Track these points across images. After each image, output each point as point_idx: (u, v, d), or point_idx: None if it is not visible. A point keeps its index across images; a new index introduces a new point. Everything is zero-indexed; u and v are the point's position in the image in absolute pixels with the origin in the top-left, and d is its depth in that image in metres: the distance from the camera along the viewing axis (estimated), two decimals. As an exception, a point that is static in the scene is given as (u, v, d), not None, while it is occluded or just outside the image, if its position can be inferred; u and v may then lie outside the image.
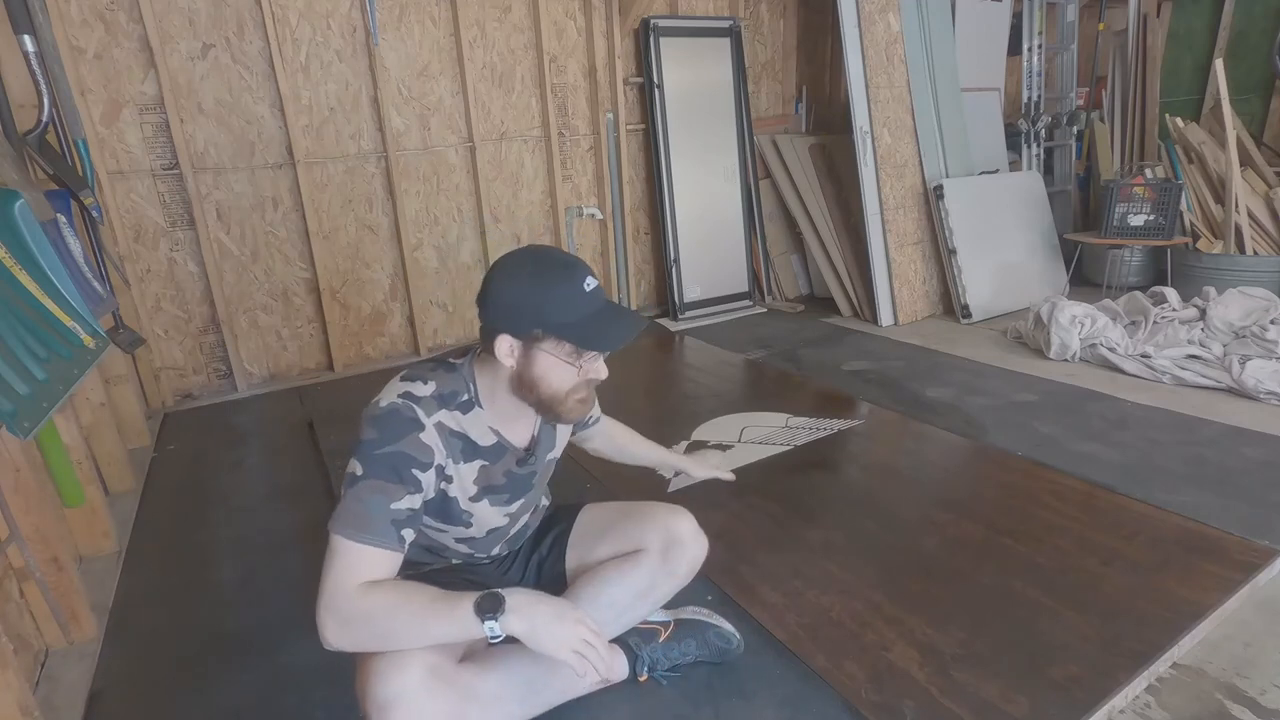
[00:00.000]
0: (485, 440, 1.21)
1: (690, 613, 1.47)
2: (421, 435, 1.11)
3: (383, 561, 1.06)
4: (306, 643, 1.59)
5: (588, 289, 1.12)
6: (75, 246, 2.07)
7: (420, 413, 1.12)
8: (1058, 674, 1.35)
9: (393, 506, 1.06)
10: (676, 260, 4.18)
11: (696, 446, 2.45)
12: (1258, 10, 4.23)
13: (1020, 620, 1.51)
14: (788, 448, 2.41)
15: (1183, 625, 1.46)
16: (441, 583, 1.31)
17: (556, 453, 1.41)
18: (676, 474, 2.03)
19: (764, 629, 1.53)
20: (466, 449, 1.19)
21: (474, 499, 1.23)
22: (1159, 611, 1.51)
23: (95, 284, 2.14)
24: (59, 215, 2.01)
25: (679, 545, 1.37)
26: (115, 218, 3.02)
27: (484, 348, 1.17)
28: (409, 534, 1.10)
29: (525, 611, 1.02)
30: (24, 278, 1.54)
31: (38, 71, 2.04)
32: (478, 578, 1.38)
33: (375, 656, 1.07)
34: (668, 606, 1.45)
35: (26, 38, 1.99)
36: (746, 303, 4.42)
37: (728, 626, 1.45)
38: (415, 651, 1.07)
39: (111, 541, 2.05)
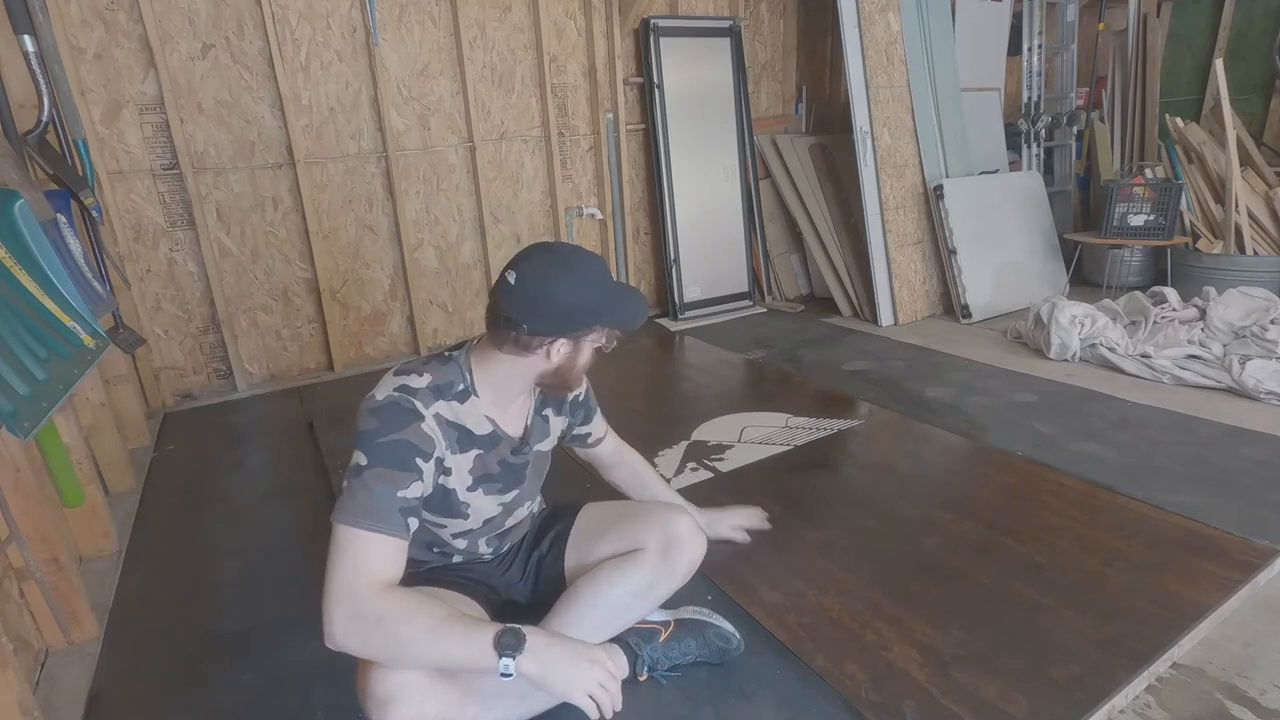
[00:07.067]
0: (481, 429, 1.23)
1: (690, 612, 1.47)
2: (423, 425, 1.12)
3: (392, 551, 1.05)
4: (306, 643, 1.59)
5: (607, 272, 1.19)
6: (75, 246, 2.06)
7: (418, 404, 1.13)
8: (1058, 674, 1.35)
9: (399, 494, 1.06)
10: (676, 260, 4.17)
11: (697, 446, 2.45)
12: (1258, 10, 4.23)
13: (1020, 620, 1.51)
14: (788, 448, 2.40)
15: (1183, 625, 1.46)
16: (443, 581, 1.32)
17: (548, 445, 1.42)
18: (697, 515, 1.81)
19: (764, 629, 1.52)
20: (463, 439, 1.20)
21: (470, 489, 1.25)
22: (1159, 611, 1.50)
23: (95, 284, 2.14)
24: (59, 215, 2.01)
25: (678, 544, 1.38)
26: (115, 218, 3.01)
27: (519, 351, 1.16)
28: (414, 523, 1.09)
29: (542, 654, 1.01)
30: (24, 278, 1.54)
31: (38, 71, 2.04)
32: (477, 575, 1.39)
33: None
34: (667, 606, 1.45)
35: (26, 38, 1.99)
36: (746, 303, 4.42)
37: (728, 626, 1.45)
38: None
39: (111, 541, 2.04)
